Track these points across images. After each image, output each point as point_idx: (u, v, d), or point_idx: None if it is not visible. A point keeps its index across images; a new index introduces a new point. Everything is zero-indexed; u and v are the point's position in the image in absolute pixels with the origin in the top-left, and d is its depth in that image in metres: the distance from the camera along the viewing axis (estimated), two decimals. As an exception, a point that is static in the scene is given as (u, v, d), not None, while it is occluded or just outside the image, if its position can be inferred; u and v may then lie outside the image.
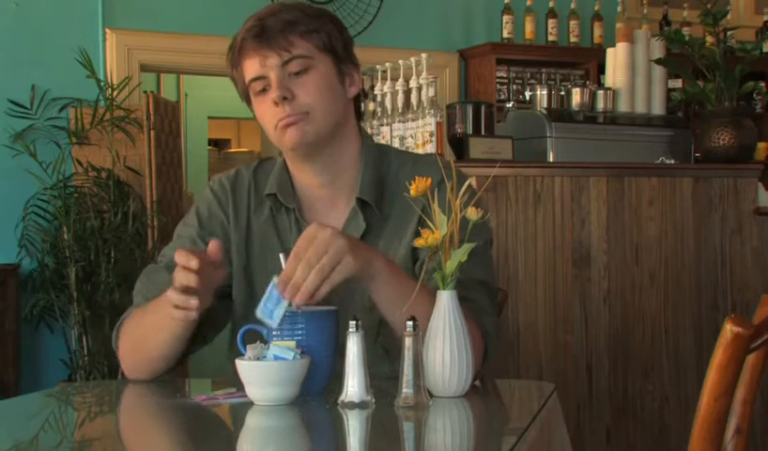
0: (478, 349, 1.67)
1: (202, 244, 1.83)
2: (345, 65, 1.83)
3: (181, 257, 1.59)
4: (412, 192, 1.55)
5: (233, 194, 1.90)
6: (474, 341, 1.59)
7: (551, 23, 5.96)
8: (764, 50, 5.97)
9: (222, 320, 1.89)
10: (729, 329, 1.36)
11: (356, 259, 1.55)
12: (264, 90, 1.78)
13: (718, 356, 1.37)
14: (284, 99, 1.75)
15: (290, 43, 1.75)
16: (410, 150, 3.41)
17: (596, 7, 6.13)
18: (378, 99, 3.73)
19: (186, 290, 1.59)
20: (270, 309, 1.56)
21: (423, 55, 3.51)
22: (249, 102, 1.84)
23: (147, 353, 1.78)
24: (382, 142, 3.53)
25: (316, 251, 1.53)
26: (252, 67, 1.78)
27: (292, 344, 1.53)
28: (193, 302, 1.59)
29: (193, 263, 1.58)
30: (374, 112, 3.76)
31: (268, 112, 1.78)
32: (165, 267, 1.85)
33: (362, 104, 3.67)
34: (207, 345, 1.88)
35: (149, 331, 1.75)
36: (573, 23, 6.04)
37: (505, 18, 5.87)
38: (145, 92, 5.32)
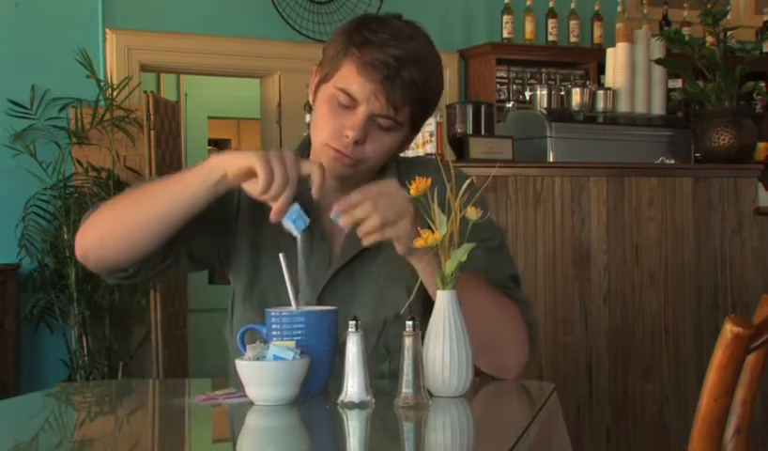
0: (523, 342, 1.73)
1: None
2: (415, 134, 1.82)
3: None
4: (412, 191, 1.55)
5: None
6: (520, 334, 1.69)
7: (551, 23, 5.96)
8: (764, 50, 5.97)
9: (183, 265, 1.82)
10: (729, 329, 1.36)
11: (414, 229, 1.54)
12: (346, 107, 1.71)
13: (718, 356, 1.37)
14: (356, 142, 1.71)
15: (401, 106, 1.70)
16: (410, 151, 3.41)
17: (596, 7, 6.13)
18: (378, 99, 3.72)
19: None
20: (294, 219, 1.61)
21: (423, 55, 3.50)
22: (318, 84, 1.77)
23: (126, 238, 1.72)
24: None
25: (387, 202, 1.54)
26: (356, 86, 1.69)
27: (292, 344, 1.53)
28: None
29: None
30: (374, 112, 3.76)
31: (333, 128, 1.72)
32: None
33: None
34: (155, 271, 1.80)
35: (140, 210, 1.70)
36: (573, 23, 6.04)
37: (505, 18, 5.87)
38: (146, 92, 5.32)
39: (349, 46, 1.71)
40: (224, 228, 1.83)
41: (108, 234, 1.75)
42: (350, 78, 1.70)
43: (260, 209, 1.72)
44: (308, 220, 1.62)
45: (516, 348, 1.71)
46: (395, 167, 1.87)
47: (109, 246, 1.74)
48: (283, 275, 1.61)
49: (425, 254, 1.58)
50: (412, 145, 3.41)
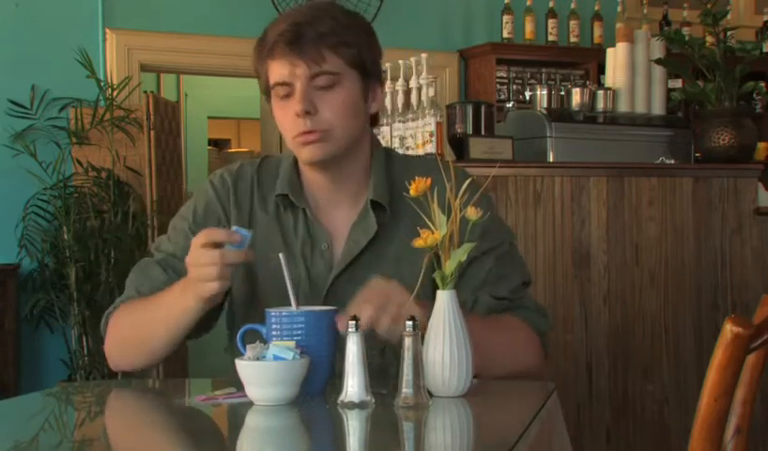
0: (536, 351, 1.80)
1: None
2: (371, 80, 1.81)
3: (219, 234, 1.63)
4: (412, 191, 1.56)
5: (234, 189, 1.88)
6: (531, 346, 1.76)
7: (551, 23, 5.96)
8: (764, 50, 5.97)
9: (214, 318, 1.88)
10: (729, 329, 1.36)
11: (422, 307, 1.56)
12: (287, 96, 1.76)
13: (718, 356, 1.37)
14: (307, 113, 1.73)
15: (321, 56, 1.73)
16: (410, 151, 3.41)
17: (596, 7, 6.13)
18: (378, 99, 3.72)
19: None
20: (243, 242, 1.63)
21: (423, 55, 3.51)
22: (269, 99, 1.83)
23: (140, 348, 1.78)
24: (382, 142, 3.53)
25: (396, 312, 1.56)
26: (279, 71, 1.75)
27: (292, 344, 1.53)
28: (249, 255, 1.64)
29: (235, 236, 1.62)
30: (374, 112, 3.76)
31: (288, 119, 1.77)
32: (159, 263, 1.85)
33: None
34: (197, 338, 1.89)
35: (147, 326, 1.75)
36: (573, 23, 6.04)
37: (505, 18, 5.87)
38: (146, 92, 5.32)
39: (260, 51, 1.79)
40: None
41: (129, 346, 1.81)
42: (272, 71, 1.77)
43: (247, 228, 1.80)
44: (249, 233, 1.65)
45: (532, 361, 1.80)
46: (384, 160, 1.87)
47: (136, 365, 1.81)
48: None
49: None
50: (412, 145, 3.42)
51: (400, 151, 3.29)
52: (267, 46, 1.77)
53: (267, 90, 1.81)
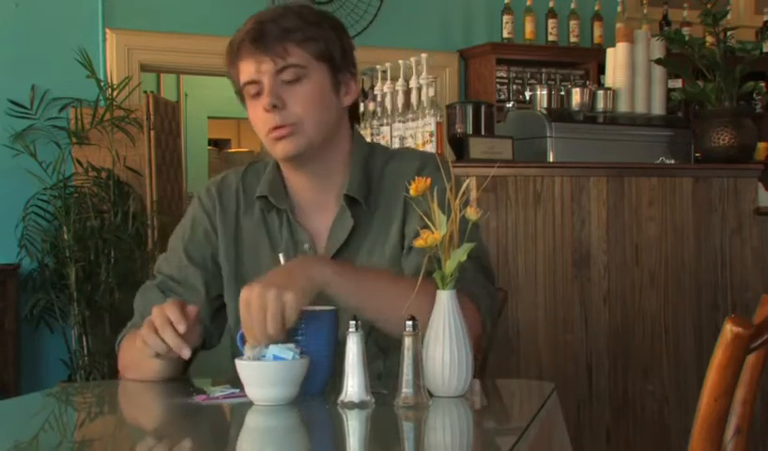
0: (473, 321, 1.69)
1: (186, 260, 1.87)
2: (341, 73, 1.82)
3: (173, 313, 1.63)
4: (412, 191, 1.56)
5: (219, 199, 1.90)
6: (468, 314, 1.62)
7: (551, 23, 5.96)
8: (764, 50, 5.97)
9: (221, 328, 1.91)
10: (729, 329, 1.36)
11: (295, 289, 1.54)
12: (258, 94, 1.78)
13: (718, 356, 1.37)
14: (275, 107, 1.75)
15: (286, 51, 1.75)
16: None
17: (596, 7, 6.13)
18: (378, 99, 3.72)
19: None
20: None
21: (423, 55, 3.51)
22: (243, 101, 1.85)
23: (143, 374, 1.80)
24: (382, 142, 3.53)
25: (257, 314, 1.52)
26: (247, 70, 1.78)
27: (291, 344, 1.53)
28: (185, 351, 1.63)
29: (182, 327, 1.61)
30: (374, 112, 3.76)
31: (260, 117, 1.79)
32: (159, 286, 1.88)
33: (361, 106, 3.68)
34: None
35: (143, 356, 1.75)
36: (573, 23, 6.04)
37: (505, 18, 5.87)
38: (146, 92, 5.32)
39: (229, 54, 1.82)
40: (218, 281, 1.89)
41: (137, 371, 1.82)
42: (241, 71, 1.79)
43: (234, 239, 1.85)
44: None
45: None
46: (364, 155, 1.87)
47: (141, 376, 1.81)
48: None
49: (337, 286, 1.60)
50: (412, 145, 3.42)
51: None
52: (234, 48, 1.80)
53: (240, 92, 1.84)
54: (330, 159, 1.84)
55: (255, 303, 1.53)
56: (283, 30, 1.75)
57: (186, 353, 1.63)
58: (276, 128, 1.77)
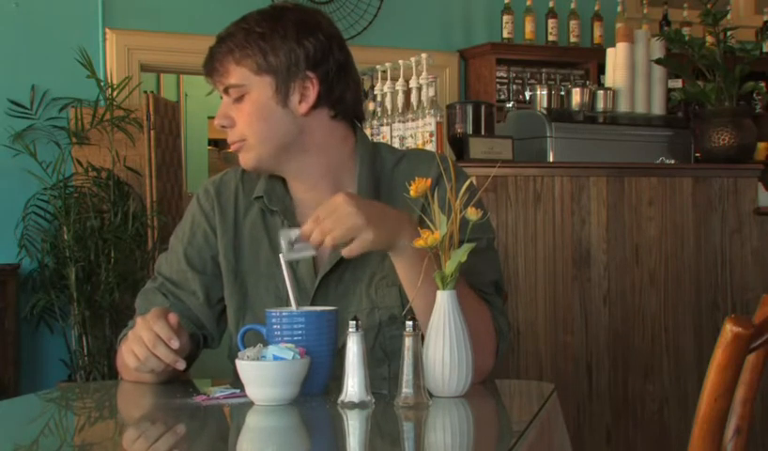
0: (491, 349, 1.72)
1: (185, 265, 1.87)
2: (291, 81, 1.78)
3: (162, 331, 1.64)
4: (412, 192, 1.55)
5: (218, 199, 1.89)
6: (488, 341, 1.67)
7: (551, 23, 5.96)
8: (764, 50, 5.97)
9: (223, 330, 1.91)
10: (729, 329, 1.36)
11: (377, 234, 1.57)
12: None
13: (718, 356, 1.37)
14: (224, 127, 1.80)
15: (227, 71, 1.78)
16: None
17: (596, 7, 6.13)
18: (378, 99, 3.72)
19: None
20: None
21: (423, 55, 3.50)
22: None
23: (142, 376, 1.79)
24: (381, 141, 3.53)
25: (334, 222, 1.57)
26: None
27: (291, 344, 1.53)
28: (180, 364, 1.66)
29: (175, 343, 1.64)
30: (374, 112, 3.76)
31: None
32: (159, 288, 1.89)
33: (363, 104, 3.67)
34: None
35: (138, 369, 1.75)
36: (573, 23, 6.04)
37: (505, 18, 5.87)
38: (146, 92, 5.32)
39: None
40: (219, 284, 1.89)
41: (133, 372, 1.81)
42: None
43: (233, 238, 1.85)
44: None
45: (483, 353, 1.67)
46: (369, 156, 1.86)
47: (138, 377, 1.80)
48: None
49: (404, 252, 1.61)
50: (412, 145, 3.42)
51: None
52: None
53: None
54: (309, 163, 1.82)
55: (340, 211, 1.57)
56: (226, 50, 1.78)
57: (181, 365, 1.66)
58: (231, 144, 1.81)
